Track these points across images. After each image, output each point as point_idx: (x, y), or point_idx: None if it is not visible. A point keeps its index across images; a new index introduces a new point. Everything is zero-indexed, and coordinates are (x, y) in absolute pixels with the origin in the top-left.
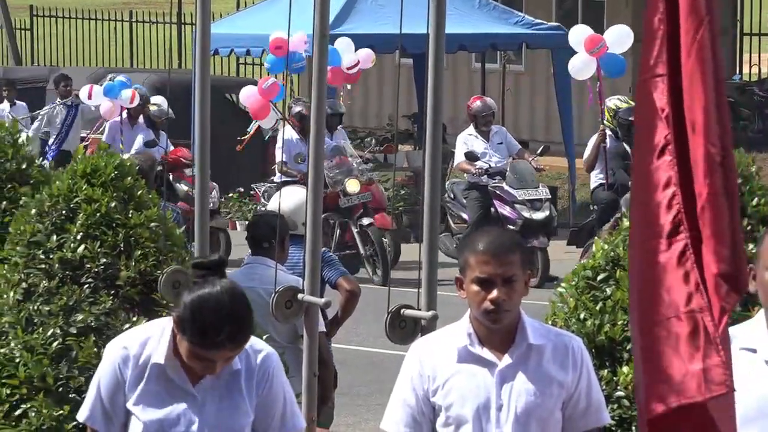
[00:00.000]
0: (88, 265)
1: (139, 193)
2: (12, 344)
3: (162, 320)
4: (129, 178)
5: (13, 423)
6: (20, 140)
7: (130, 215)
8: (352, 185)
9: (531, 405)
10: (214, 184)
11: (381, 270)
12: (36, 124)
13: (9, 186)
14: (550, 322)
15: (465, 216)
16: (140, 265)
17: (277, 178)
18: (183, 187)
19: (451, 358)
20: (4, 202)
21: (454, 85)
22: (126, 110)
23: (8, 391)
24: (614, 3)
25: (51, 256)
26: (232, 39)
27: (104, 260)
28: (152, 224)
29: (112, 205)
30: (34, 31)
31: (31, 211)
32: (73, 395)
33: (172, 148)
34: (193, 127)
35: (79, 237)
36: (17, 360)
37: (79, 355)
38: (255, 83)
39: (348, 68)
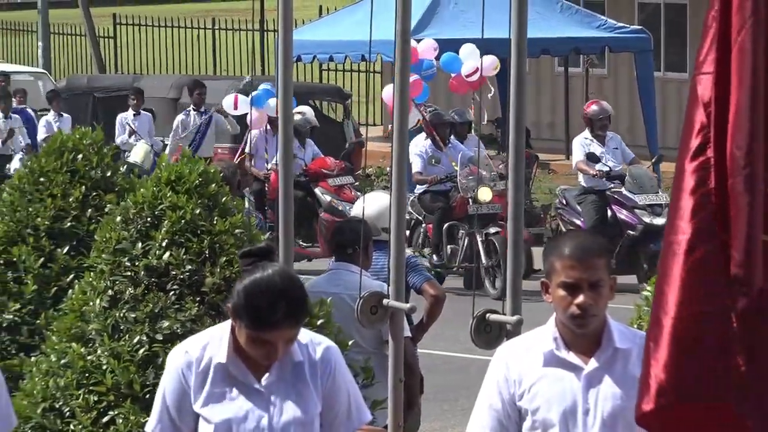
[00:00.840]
0: (174, 272)
1: (224, 199)
2: (99, 351)
3: (221, 324)
4: (213, 184)
5: (101, 430)
6: (138, 151)
7: (214, 222)
8: (484, 193)
9: (617, 409)
10: (359, 193)
11: (501, 282)
12: (171, 133)
13: (94, 194)
14: (635, 326)
15: (579, 222)
16: (225, 272)
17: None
18: (326, 198)
19: (537, 363)
20: (90, 210)
21: (537, 90)
22: (269, 119)
23: (95, 398)
24: (696, 4)
25: (136, 264)
26: (315, 45)
27: (189, 267)
28: (237, 231)
29: (197, 212)
30: (118, 39)
31: (116, 218)
32: None
33: (318, 156)
34: (277, 133)
35: (164, 244)
36: (104, 367)
37: (164, 362)
38: (339, 90)
39: (467, 75)
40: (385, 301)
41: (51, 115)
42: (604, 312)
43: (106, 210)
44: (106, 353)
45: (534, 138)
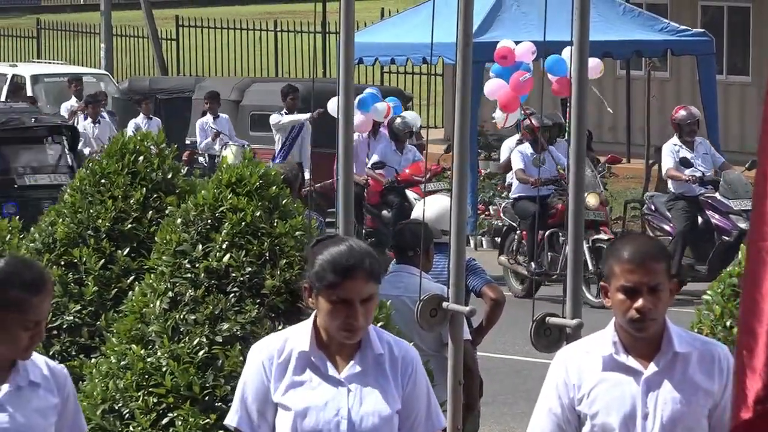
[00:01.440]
0: (234, 274)
1: (284, 202)
2: (159, 353)
3: (303, 321)
4: (274, 187)
5: (160, 431)
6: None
7: (275, 224)
8: (592, 199)
9: (677, 413)
10: None
11: None
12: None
13: (155, 196)
14: (695, 330)
15: (668, 228)
16: (285, 274)
17: (514, 189)
18: (416, 203)
19: (597, 367)
20: (151, 212)
21: (599, 92)
22: (374, 127)
23: (155, 400)
24: (759, 7)
25: (197, 266)
26: (377, 48)
27: (249, 269)
28: (297, 233)
29: (257, 214)
30: (180, 41)
31: (177, 220)
32: (219, 404)
33: (419, 160)
34: (338, 135)
35: (224, 246)
36: (164, 369)
37: (225, 364)
38: (400, 92)
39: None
40: (444, 303)
41: (140, 118)
42: (664, 316)
43: (167, 212)
44: (165, 355)
45: (596, 141)
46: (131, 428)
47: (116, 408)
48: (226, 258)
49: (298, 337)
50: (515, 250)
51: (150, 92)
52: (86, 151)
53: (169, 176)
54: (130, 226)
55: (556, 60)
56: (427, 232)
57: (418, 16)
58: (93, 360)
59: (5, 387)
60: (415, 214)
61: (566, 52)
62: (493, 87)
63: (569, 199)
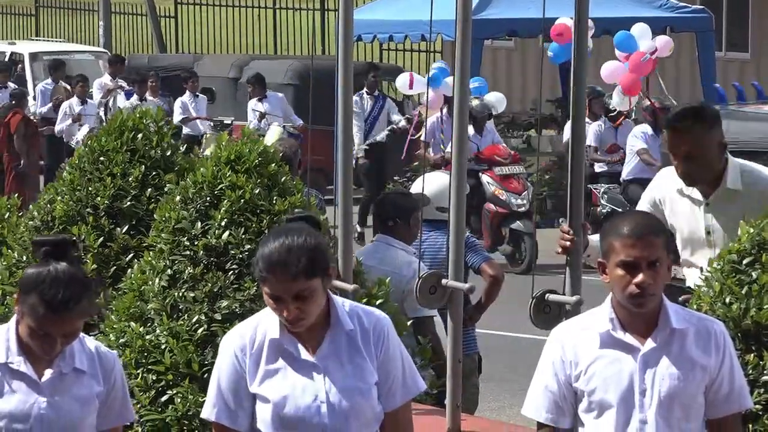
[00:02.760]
0: (233, 252)
1: (283, 179)
2: (158, 331)
3: None
4: (273, 164)
5: (159, 409)
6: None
7: (274, 201)
8: None
9: (674, 389)
10: (529, 184)
11: None
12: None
13: (154, 173)
14: (695, 307)
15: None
16: None
17: (629, 170)
18: (490, 188)
19: (594, 343)
20: (150, 190)
21: (598, 70)
22: (446, 103)
23: (154, 378)
24: None
25: (196, 243)
26: (375, 25)
27: (248, 246)
28: (296, 210)
29: (257, 191)
30: (179, 18)
31: (175, 198)
32: None
33: (498, 143)
34: (336, 113)
35: (223, 223)
36: (163, 346)
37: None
38: (399, 69)
39: (643, 56)
40: (444, 281)
41: (187, 96)
42: (661, 292)
43: (166, 189)
44: (164, 333)
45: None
46: (130, 406)
47: None
48: (225, 235)
49: (267, 322)
50: None
51: (149, 70)
52: None
53: (168, 153)
54: (128, 203)
55: (626, 36)
56: (412, 202)
57: None
58: (92, 337)
59: (48, 372)
60: (414, 190)
61: (636, 29)
62: (612, 70)
63: (569, 179)
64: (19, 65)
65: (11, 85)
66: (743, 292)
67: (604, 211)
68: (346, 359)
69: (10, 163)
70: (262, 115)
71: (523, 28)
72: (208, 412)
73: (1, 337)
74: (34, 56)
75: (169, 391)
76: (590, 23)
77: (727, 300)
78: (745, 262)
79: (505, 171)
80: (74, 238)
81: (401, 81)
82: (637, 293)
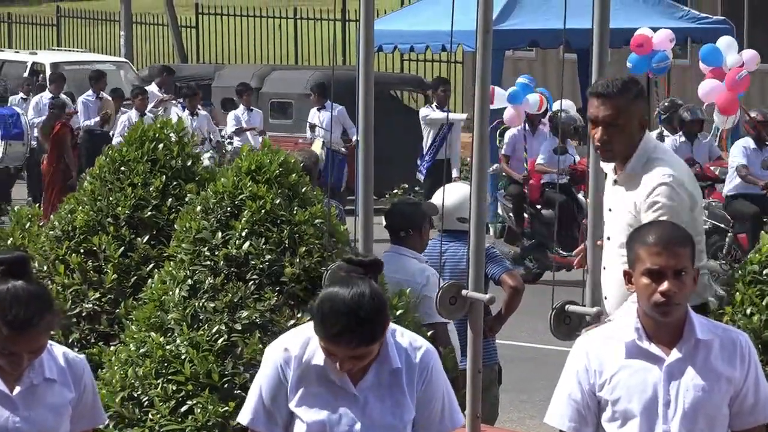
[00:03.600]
0: (253, 262)
1: (304, 189)
2: (178, 341)
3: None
4: (293, 174)
5: (179, 419)
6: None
7: (294, 212)
8: None
9: (699, 400)
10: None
11: None
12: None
13: (175, 183)
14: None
15: None
16: (305, 262)
17: (731, 186)
18: (585, 201)
19: (619, 353)
20: (170, 200)
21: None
22: (527, 116)
23: (174, 388)
24: None
25: (216, 253)
26: (396, 35)
27: (269, 257)
28: (317, 221)
29: (277, 201)
30: (200, 28)
31: (196, 208)
32: (239, 392)
33: (583, 156)
34: (357, 123)
35: (244, 234)
36: (183, 356)
37: (244, 351)
38: (420, 80)
39: (730, 71)
40: (464, 291)
41: (240, 110)
42: (687, 302)
43: (187, 199)
44: (185, 343)
45: None
46: (150, 416)
47: (135, 395)
48: (245, 246)
49: (316, 345)
50: (725, 253)
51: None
52: None
53: (189, 164)
54: (149, 213)
55: (711, 49)
56: (421, 212)
57: (437, 4)
58: (112, 347)
59: (19, 385)
60: (435, 201)
61: (722, 41)
62: (708, 89)
63: (589, 189)
64: (41, 75)
65: (57, 96)
66: (764, 303)
67: (705, 227)
68: (387, 394)
69: (53, 175)
70: (313, 127)
71: (544, 39)
72: (244, 418)
73: None
74: (56, 66)
75: (189, 402)
76: (671, 34)
77: (748, 311)
78: (765, 272)
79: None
80: (29, 254)
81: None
82: (662, 302)
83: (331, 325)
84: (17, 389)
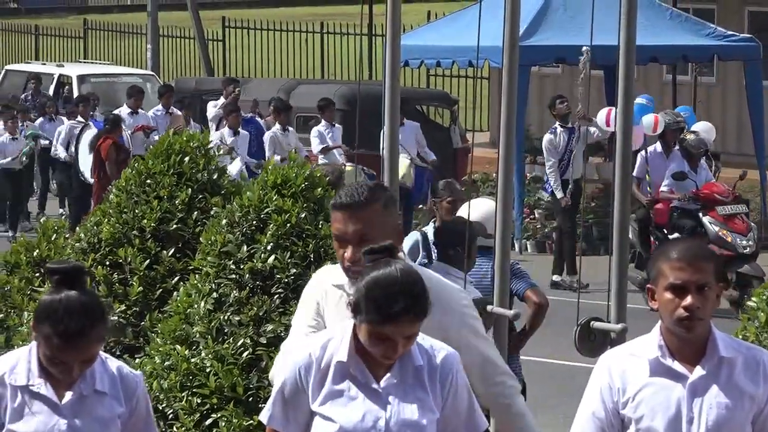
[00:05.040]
0: (278, 276)
1: (329, 203)
2: (203, 354)
3: (344, 323)
4: (319, 188)
5: None
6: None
7: (320, 226)
8: None
9: (722, 418)
10: (753, 225)
11: None
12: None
13: (200, 196)
14: (740, 336)
15: None
16: None
17: None
18: (713, 228)
19: (642, 370)
20: (196, 213)
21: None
22: (662, 136)
23: (199, 401)
24: None
25: (241, 267)
26: (423, 50)
27: (294, 270)
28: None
29: (302, 215)
30: (226, 42)
31: (222, 221)
32: (263, 405)
33: (710, 180)
34: (382, 138)
35: (269, 247)
36: (208, 370)
37: (269, 365)
38: (446, 95)
39: None
40: (489, 307)
41: (323, 125)
42: (709, 319)
43: (212, 213)
44: (210, 356)
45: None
46: (175, 429)
47: (160, 408)
48: (270, 259)
49: (337, 344)
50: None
51: (196, 93)
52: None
53: (215, 177)
54: (175, 226)
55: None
56: (472, 231)
57: (464, 19)
58: (137, 360)
59: (68, 394)
60: (461, 214)
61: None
62: (605, 115)
63: (614, 204)
64: (66, 87)
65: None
66: None
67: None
68: (411, 392)
69: (99, 189)
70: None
71: (570, 55)
72: (264, 416)
73: (22, 360)
74: (82, 78)
75: (214, 415)
76: None
77: None
78: None
79: (728, 210)
80: (86, 267)
81: (600, 117)
82: (685, 317)
83: (389, 305)
84: (66, 398)
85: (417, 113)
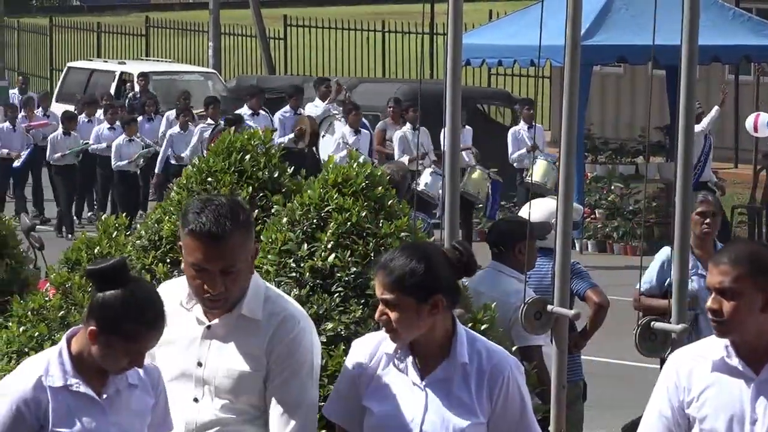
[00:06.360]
0: (339, 274)
1: (390, 202)
2: None
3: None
4: (380, 187)
5: None
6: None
7: (380, 225)
8: None
9: None
10: None
11: None
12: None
13: (261, 194)
14: None
15: None
16: None
17: None
18: None
19: (708, 370)
20: (257, 211)
21: (707, 97)
22: None
23: None
24: None
25: (302, 265)
26: (484, 49)
27: (354, 269)
28: (402, 234)
29: (363, 214)
30: (288, 40)
31: (282, 219)
32: (323, 404)
33: None
34: (443, 137)
35: (329, 246)
36: None
37: (329, 363)
38: (507, 94)
39: None
40: (549, 306)
41: (407, 128)
42: (746, 322)
43: (273, 211)
44: None
45: None
46: None
47: None
48: (331, 258)
49: (389, 341)
50: None
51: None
52: None
53: (276, 175)
54: None
55: None
56: (518, 230)
57: (525, 18)
58: None
59: (106, 390)
60: (522, 215)
61: None
62: (753, 121)
63: (676, 204)
64: (128, 84)
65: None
66: None
67: None
68: (454, 391)
69: None
70: (534, 147)
71: (632, 55)
72: (325, 410)
73: (54, 361)
74: (144, 76)
75: None
76: None
77: None
78: None
79: None
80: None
81: (749, 123)
82: (711, 318)
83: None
84: (104, 394)
85: (477, 112)
